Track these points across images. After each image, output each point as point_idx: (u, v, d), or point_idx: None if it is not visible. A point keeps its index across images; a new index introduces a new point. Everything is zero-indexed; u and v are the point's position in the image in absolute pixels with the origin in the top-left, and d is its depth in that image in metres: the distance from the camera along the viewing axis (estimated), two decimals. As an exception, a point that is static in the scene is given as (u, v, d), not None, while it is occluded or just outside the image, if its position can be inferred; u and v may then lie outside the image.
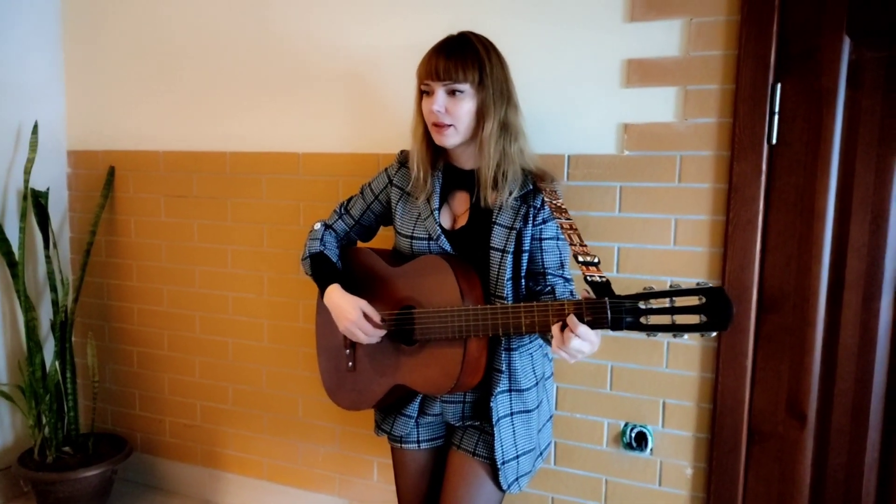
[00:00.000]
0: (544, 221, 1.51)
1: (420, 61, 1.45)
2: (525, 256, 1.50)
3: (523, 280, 1.51)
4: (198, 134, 2.29)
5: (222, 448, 2.38)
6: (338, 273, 1.65)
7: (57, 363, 2.28)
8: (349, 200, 1.73)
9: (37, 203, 2.31)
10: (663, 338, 1.68)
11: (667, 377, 1.72)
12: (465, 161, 1.57)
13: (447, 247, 1.54)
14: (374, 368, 1.63)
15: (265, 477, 2.32)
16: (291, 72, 2.10)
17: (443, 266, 1.49)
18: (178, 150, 2.32)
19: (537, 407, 1.57)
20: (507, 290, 1.47)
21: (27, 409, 2.27)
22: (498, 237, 1.50)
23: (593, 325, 1.23)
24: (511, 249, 1.48)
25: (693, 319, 1.14)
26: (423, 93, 1.48)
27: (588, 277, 1.31)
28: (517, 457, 1.53)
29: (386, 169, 1.68)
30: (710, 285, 1.13)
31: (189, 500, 2.44)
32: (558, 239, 1.53)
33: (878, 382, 1.54)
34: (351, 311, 1.54)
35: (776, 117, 1.55)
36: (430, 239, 1.55)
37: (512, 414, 1.53)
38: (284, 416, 2.25)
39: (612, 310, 1.21)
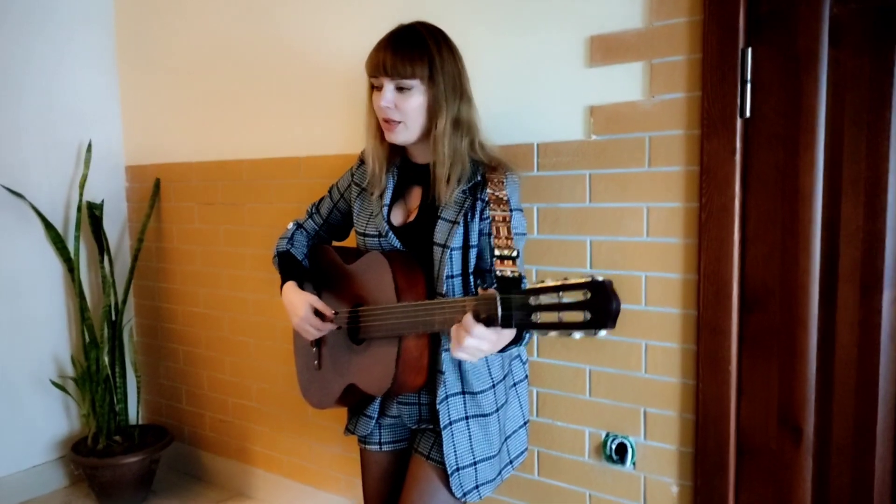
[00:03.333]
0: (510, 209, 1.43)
1: (368, 54, 1.42)
2: (473, 252, 1.43)
3: (472, 277, 1.44)
4: (221, 143, 2.42)
5: (252, 444, 2.48)
6: (298, 271, 1.67)
7: (106, 359, 2.50)
8: (320, 200, 1.75)
9: (92, 214, 2.55)
10: (577, 337, 1.50)
11: (646, 383, 1.56)
12: (419, 156, 1.53)
13: (396, 243, 1.50)
14: (334, 367, 1.63)
15: (287, 474, 2.39)
16: (295, 77, 2.16)
17: (382, 263, 1.45)
18: (207, 160, 2.47)
19: (496, 411, 1.49)
20: (449, 287, 1.41)
21: (81, 400, 2.50)
22: (440, 232, 1.44)
23: (487, 323, 1.14)
24: (454, 245, 1.41)
25: (579, 317, 1.02)
26: (374, 87, 1.45)
27: (498, 272, 1.22)
28: (474, 463, 1.46)
29: (351, 167, 1.68)
30: (596, 279, 1.00)
31: (225, 491, 2.57)
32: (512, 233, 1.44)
33: (885, 389, 1.29)
34: (300, 307, 1.55)
35: (748, 87, 1.36)
36: (379, 236, 1.52)
37: (467, 418, 1.45)
38: (298, 415, 2.31)
39: (502, 306, 1.11)
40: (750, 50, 1.35)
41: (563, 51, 1.59)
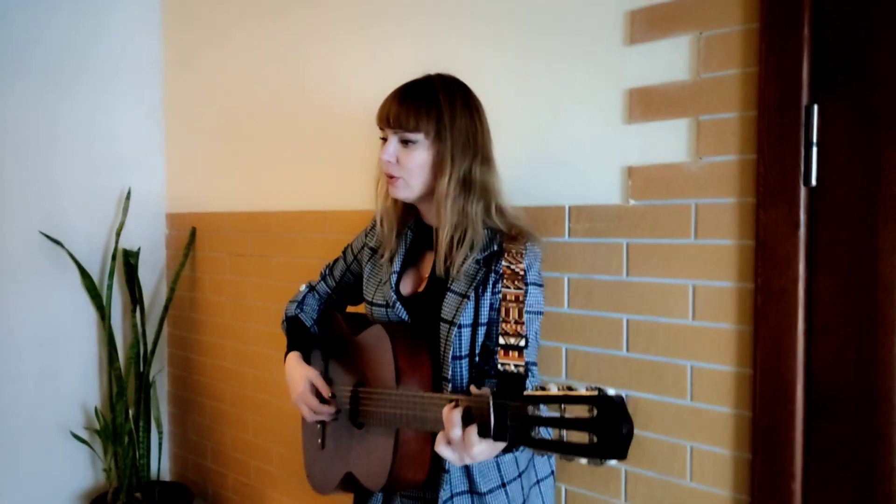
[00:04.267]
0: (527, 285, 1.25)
1: (379, 106, 1.30)
2: (482, 330, 1.25)
3: (478, 359, 1.26)
4: (253, 194, 2.36)
5: (271, 510, 2.34)
6: (305, 339, 1.54)
7: (130, 411, 2.43)
8: (335, 261, 1.63)
9: (127, 262, 2.52)
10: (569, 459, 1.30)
11: (691, 494, 1.31)
12: (429, 217, 1.38)
13: (404, 315, 1.35)
14: (336, 450, 1.48)
15: (304, 547, 2.23)
16: (322, 129, 2.08)
17: (384, 340, 1.30)
18: (238, 210, 2.41)
19: (509, 513, 1.29)
20: (456, 370, 1.24)
21: (103, 453, 2.44)
22: (448, 306, 1.27)
23: (479, 431, 0.96)
24: (462, 322, 1.24)
25: (584, 437, 0.82)
26: (383, 139, 1.33)
27: (500, 365, 1.04)
28: (486, 573, 1.26)
29: (365, 227, 1.55)
30: (605, 392, 0.81)
31: (243, 559, 2.43)
32: (525, 311, 1.26)
33: None
34: (299, 383, 1.42)
35: (814, 150, 1.14)
36: (387, 306, 1.38)
37: (476, 521, 1.26)
38: (316, 484, 2.15)
39: (495, 414, 0.93)
40: (816, 107, 1.14)
41: (600, 104, 1.41)
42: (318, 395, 1.42)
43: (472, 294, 1.25)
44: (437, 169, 1.27)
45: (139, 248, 2.59)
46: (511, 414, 0.89)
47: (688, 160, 1.29)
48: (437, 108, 1.26)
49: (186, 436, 2.70)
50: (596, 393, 0.79)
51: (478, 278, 1.26)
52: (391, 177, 1.29)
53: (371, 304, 1.42)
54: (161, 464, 2.58)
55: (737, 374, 1.25)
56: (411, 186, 1.29)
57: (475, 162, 1.29)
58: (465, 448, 0.99)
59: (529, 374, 1.22)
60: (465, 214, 1.28)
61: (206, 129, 2.55)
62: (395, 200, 1.39)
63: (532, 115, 1.52)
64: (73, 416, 2.49)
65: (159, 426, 2.51)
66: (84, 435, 2.47)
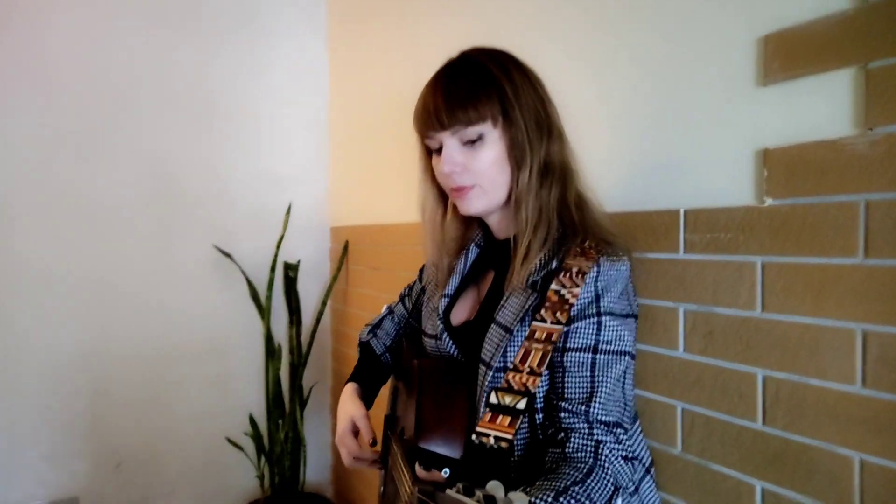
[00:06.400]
0: (571, 319, 0.92)
1: (415, 108, 1.05)
2: (541, 379, 0.94)
3: (539, 417, 0.94)
4: (391, 206, 2.24)
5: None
6: (368, 370, 1.35)
7: (280, 422, 2.46)
8: (415, 281, 1.41)
9: (286, 275, 2.58)
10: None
11: None
12: (499, 228, 1.10)
13: (452, 349, 1.09)
14: (393, 498, 1.25)
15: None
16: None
17: (414, 380, 1.05)
18: (376, 223, 2.31)
19: None
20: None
21: (256, 461, 2.50)
22: (489, 342, 0.99)
23: None
24: (501, 364, 0.95)
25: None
26: (429, 151, 1.08)
27: (475, 435, 0.73)
28: None
29: None
30: None
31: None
32: (597, 351, 0.92)
33: None
34: (342, 421, 1.23)
35: None
36: (436, 338, 1.12)
37: None
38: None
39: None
40: None
41: (719, 62, 0.99)
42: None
43: (519, 328, 0.94)
44: (516, 160, 0.99)
45: (298, 261, 2.64)
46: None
47: (852, 134, 0.82)
48: (495, 86, 0.98)
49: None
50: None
51: (528, 305, 0.95)
52: (460, 189, 1.02)
53: (424, 334, 1.18)
54: (306, 475, 2.57)
55: (939, 483, 0.75)
56: (489, 193, 1.02)
57: (552, 140, 1.00)
58: None
59: (610, 441, 0.87)
60: (540, 209, 0.99)
61: (364, 140, 2.50)
62: (444, 217, 1.13)
63: (620, 86, 1.14)
64: (235, 423, 2.61)
65: (303, 439, 2.50)
66: (243, 441, 2.56)
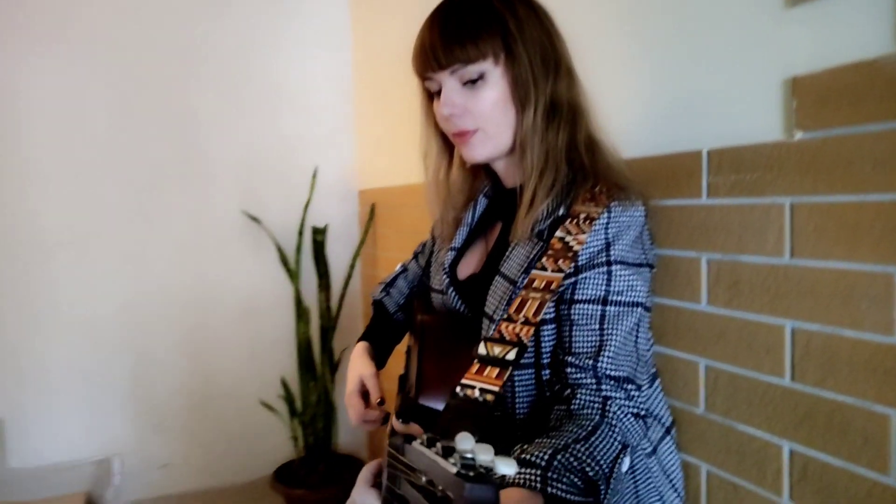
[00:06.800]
0: (579, 269, 0.86)
1: (413, 48, 0.98)
2: (547, 332, 0.88)
3: (545, 374, 0.89)
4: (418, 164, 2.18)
5: None
6: (380, 329, 1.32)
7: (311, 384, 2.47)
8: (428, 240, 1.36)
9: (314, 239, 2.56)
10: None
11: None
12: (507, 175, 1.04)
13: (458, 304, 1.04)
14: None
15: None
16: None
17: (419, 337, 1.01)
18: (395, 185, 2.27)
19: None
20: (506, 385, 0.89)
21: (289, 424, 2.53)
22: (493, 295, 0.94)
23: None
24: (504, 317, 0.89)
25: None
26: (430, 94, 1.02)
27: (461, 388, 0.68)
28: None
29: None
30: (465, 485, 0.41)
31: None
32: (607, 303, 0.86)
33: None
34: (351, 381, 1.20)
35: None
36: (442, 293, 1.08)
37: None
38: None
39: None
40: None
41: (747, -16, 0.89)
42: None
43: (523, 279, 0.88)
44: (520, 100, 0.92)
45: (326, 225, 2.61)
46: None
47: (894, 51, 0.72)
48: (497, 19, 0.91)
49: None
50: (455, 479, 0.41)
51: (534, 255, 0.89)
52: (462, 133, 0.96)
53: (432, 290, 1.13)
54: (340, 437, 2.58)
55: None
56: (493, 137, 0.95)
57: (559, 77, 0.92)
58: None
59: (620, 397, 0.81)
60: (547, 152, 0.92)
61: (389, 96, 2.44)
62: (450, 168, 1.07)
63: (642, 10, 1.04)
64: (268, 386, 2.63)
65: (333, 402, 2.50)
66: (277, 404, 2.58)
